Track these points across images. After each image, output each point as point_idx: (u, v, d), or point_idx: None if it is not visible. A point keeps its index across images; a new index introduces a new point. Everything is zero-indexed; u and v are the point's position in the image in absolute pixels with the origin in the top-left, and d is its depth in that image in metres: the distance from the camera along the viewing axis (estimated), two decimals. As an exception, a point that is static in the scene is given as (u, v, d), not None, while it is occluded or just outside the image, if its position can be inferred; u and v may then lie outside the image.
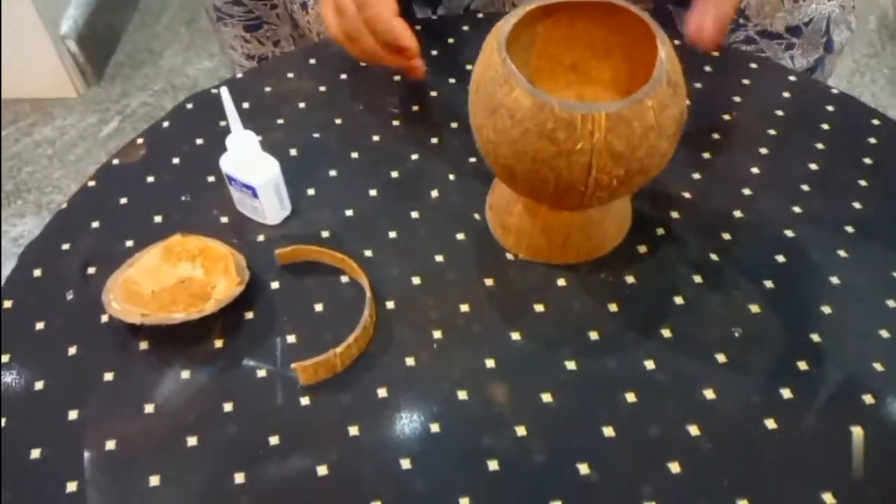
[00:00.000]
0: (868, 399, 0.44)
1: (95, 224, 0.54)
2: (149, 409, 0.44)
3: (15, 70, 1.59)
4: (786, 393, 0.44)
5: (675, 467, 0.41)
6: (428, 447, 0.42)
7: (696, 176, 0.56)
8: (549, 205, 0.47)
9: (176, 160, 0.58)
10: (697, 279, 0.49)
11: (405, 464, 0.42)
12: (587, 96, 0.49)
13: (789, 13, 0.69)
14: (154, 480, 0.41)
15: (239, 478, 0.41)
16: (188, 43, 1.79)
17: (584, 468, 0.41)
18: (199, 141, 0.59)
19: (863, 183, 0.55)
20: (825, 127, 0.60)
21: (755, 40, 0.71)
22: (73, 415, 0.44)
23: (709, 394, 0.44)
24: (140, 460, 0.42)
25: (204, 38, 1.78)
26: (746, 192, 0.54)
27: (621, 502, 0.40)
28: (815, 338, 0.46)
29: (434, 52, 0.65)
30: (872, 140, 0.59)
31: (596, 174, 0.40)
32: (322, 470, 0.41)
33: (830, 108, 0.61)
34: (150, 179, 0.57)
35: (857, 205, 0.54)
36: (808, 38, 0.71)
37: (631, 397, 0.44)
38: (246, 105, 0.62)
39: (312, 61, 0.66)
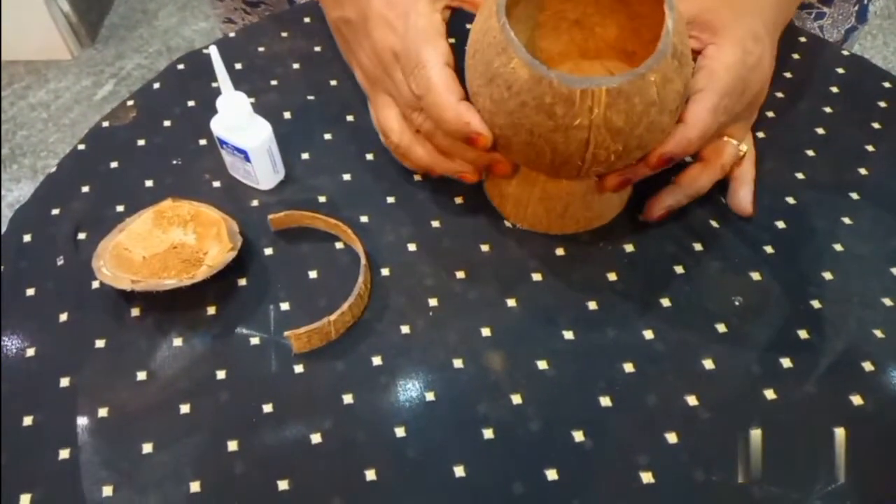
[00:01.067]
0: (867, 366, 0.43)
1: (86, 188, 0.53)
2: (141, 375, 0.44)
3: (9, 32, 1.56)
4: (785, 362, 0.43)
5: (671, 437, 0.41)
6: (422, 415, 0.42)
7: (700, 140, 0.54)
8: (546, 174, 0.46)
9: (167, 123, 0.57)
10: (698, 247, 0.48)
11: (399, 432, 0.41)
12: (590, 54, 0.48)
13: None
14: (147, 447, 0.41)
15: (232, 445, 0.41)
16: (183, 3, 1.76)
17: (579, 436, 0.41)
18: (191, 103, 0.58)
19: (870, 148, 0.54)
20: (834, 90, 0.58)
21: None
22: (64, 382, 0.43)
23: (707, 364, 0.43)
24: (133, 427, 0.42)
25: (199, -1, 1.74)
26: (751, 157, 0.53)
27: (617, 470, 0.40)
28: (816, 304, 0.46)
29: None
30: (882, 104, 0.57)
31: (594, 149, 0.39)
32: (316, 438, 0.41)
33: (841, 71, 0.60)
34: (141, 143, 0.56)
35: (862, 171, 0.53)
36: (839, 6, 0.68)
37: (629, 367, 0.43)
38: (238, 66, 0.60)
39: (307, 20, 0.64)
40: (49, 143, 1.49)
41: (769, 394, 0.42)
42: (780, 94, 0.57)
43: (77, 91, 1.58)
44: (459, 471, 0.40)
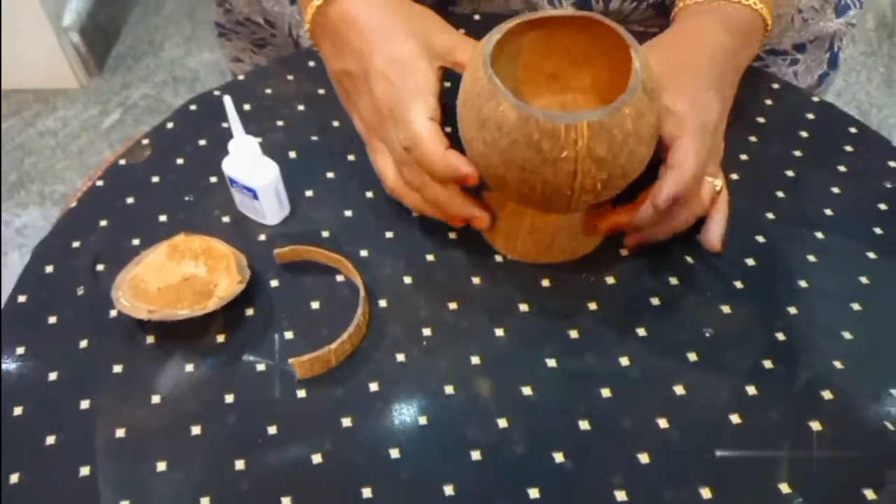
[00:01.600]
0: (827, 395, 0.47)
1: (104, 223, 0.57)
2: (155, 399, 0.47)
3: (18, 60, 1.61)
4: (751, 390, 0.47)
5: (644, 458, 0.44)
6: (416, 438, 0.45)
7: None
8: (538, 209, 0.50)
9: (180, 161, 0.61)
10: (673, 281, 0.52)
11: (394, 453, 0.45)
12: (568, 103, 0.52)
13: (798, 32, 0.70)
14: (161, 466, 0.44)
15: (239, 464, 0.44)
16: (189, 35, 1.81)
17: (559, 457, 0.44)
18: (202, 142, 0.62)
19: (836, 190, 0.58)
20: (804, 134, 0.62)
21: (761, 57, 0.72)
22: (84, 404, 0.47)
23: (679, 389, 0.47)
24: (147, 447, 0.45)
25: (205, 30, 1.79)
26: (723, 198, 0.57)
27: (594, 490, 0.43)
28: (781, 336, 0.49)
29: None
30: (849, 148, 0.61)
31: (581, 179, 0.43)
32: (316, 458, 0.44)
33: (810, 116, 0.64)
34: (155, 179, 0.60)
35: (828, 211, 0.57)
36: (811, 54, 0.72)
37: (606, 392, 0.47)
38: (247, 107, 0.65)
39: (312, 63, 0.68)
40: (56, 169, 1.53)
41: (735, 418, 0.46)
42: (752, 138, 0.62)
43: (84, 119, 1.62)
44: (449, 490, 0.43)
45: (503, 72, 0.44)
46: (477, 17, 0.71)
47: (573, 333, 0.50)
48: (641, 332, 0.50)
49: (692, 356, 0.48)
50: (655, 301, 0.51)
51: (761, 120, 0.63)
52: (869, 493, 0.43)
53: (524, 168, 0.43)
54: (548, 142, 0.41)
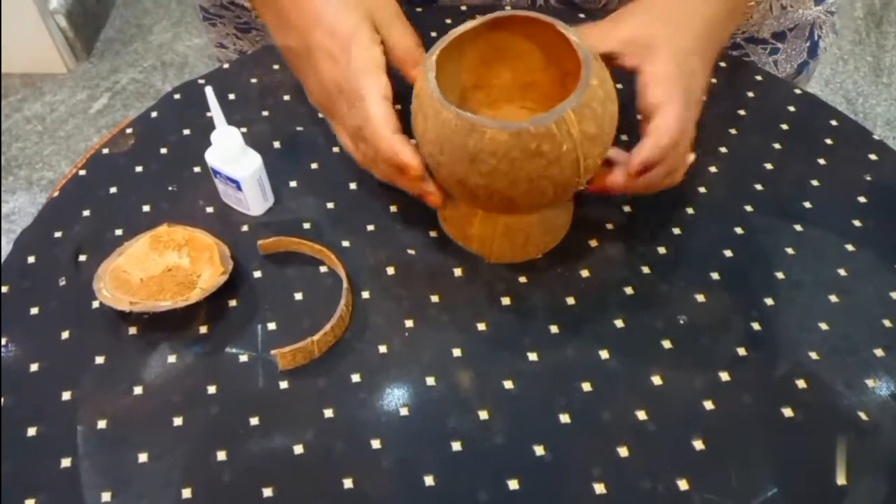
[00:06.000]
0: (801, 384, 0.47)
1: (86, 212, 0.57)
2: (138, 390, 0.47)
3: (4, 45, 1.59)
4: (724, 376, 0.47)
5: (623, 451, 0.45)
6: (397, 429, 0.46)
7: (659, 174, 0.59)
8: (546, 208, 0.51)
9: (164, 150, 0.61)
10: (646, 270, 0.53)
11: (375, 444, 0.45)
12: (498, 103, 0.53)
13: (776, 20, 0.70)
14: (143, 457, 0.44)
15: (221, 455, 0.45)
16: (178, 19, 1.79)
17: (539, 450, 0.45)
18: (186, 132, 0.62)
19: (815, 183, 0.59)
20: (784, 127, 0.63)
21: (741, 46, 0.72)
22: (66, 395, 0.47)
23: (656, 380, 0.47)
24: (130, 438, 0.45)
25: (193, 15, 1.78)
26: (702, 189, 0.57)
27: (573, 482, 0.44)
28: (756, 326, 0.50)
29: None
30: (829, 140, 0.62)
31: (584, 162, 0.44)
32: (298, 448, 0.45)
33: (792, 109, 0.64)
34: (139, 169, 0.59)
35: (807, 204, 0.57)
36: (791, 43, 0.72)
37: (586, 386, 0.47)
38: (232, 96, 0.64)
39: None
40: (44, 155, 1.52)
41: (708, 404, 0.46)
42: (733, 131, 0.62)
43: (72, 104, 1.61)
44: (429, 480, 0.44)
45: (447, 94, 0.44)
46: (464, 7, 0.71)
47: (553, 328, 0.50)
48: (619, 322, 0.50)
49: (667, 344, 0.49)
50: (629, 290, 0.52)
51: (742, 112, 0.64)
52: (841, 480, 0.44)
53: (531, 179, 0.43)
54: (547, 144, 0.42)
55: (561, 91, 0.49)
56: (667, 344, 0.49)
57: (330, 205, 0.57)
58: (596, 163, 0.45)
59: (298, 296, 0.52)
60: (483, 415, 0.46)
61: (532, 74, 0.51)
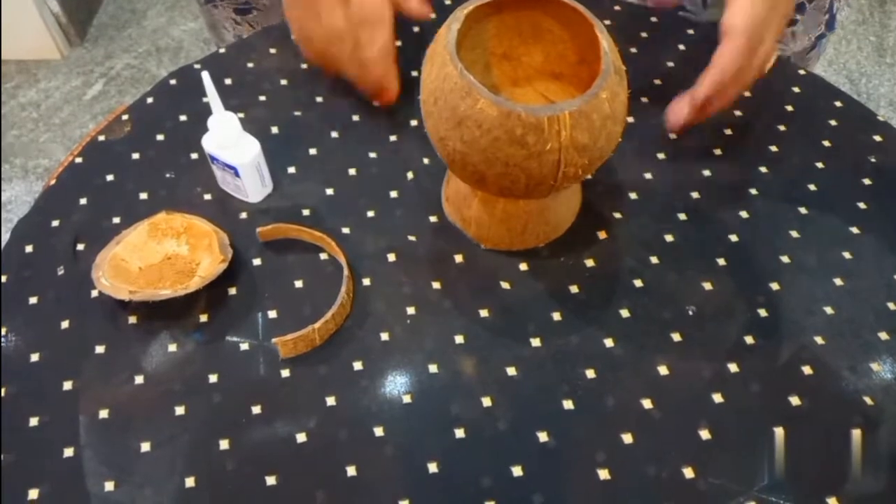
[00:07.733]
0: (807, 370, 0.47)
1: (83, 201, 0.56)
2: (139, 379, 0.47)
3: (-2, 31, 1.58)
4: (732, 367, 0.47)
5: (627, 437, 0.45)
6: (400, 416, 0.45)
7: (661, 156, 0.58)
8: (518, 198, 0.50)
9: (160, 137, 0.60)
10: (654, 260, 0.52)
11: (378, 431, 0.45)
12: (521, 81, 0.52)
13: None
14: (145, 446, 0.44)
15: (224, 444, 0.44)
16: (172, 3, 1.77)
17: (543, 436, 0.45)
18: (183, 118, 0.61)
19: (819, 165, 0.58)
20: (789, 108, 0.62)
21: None
22: (67, 385, 0.47)
23: (662, 370, 0.47)
24: (131, 427, 0.45)
25: (188, -1, 1.76)
26: (706, 173, 0.57)
27: (577, 468, 0.44)
28: (763, 313, 0.50)
29: (416, 30, 0.66)
30: (833, 122, 0.61)
31: (564, 168, 0.43)
32: (301, 437, 0.45)
33: (797, 90, 0.63)
34: (136, 156, 0.59)
35: (812, 186, 0.57)
36: (810, 14, 0.71)
37: (590, 373, 0.47)
38: (228, 81, 0.63)
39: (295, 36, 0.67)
40: (40, 142, 1.51)
41: (717, 397, 0.46)
42: (738, 113, 0.61)
43: (67, 91, 1.60)
44: (433, 467, 0.44)
45: (464, 60, 0.43)
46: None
47: (556, 315, 0.50)
48: (625, 313, 0.50)
49: (676, 336, 0.49)
50: (638, 283, 0.51)
51: (746, 93, 0.63)
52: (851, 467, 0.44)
53: (507, 163, 0.42)
54: (532, 136, 0.41)
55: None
56: (674, 334, 0.49)
57: (329, 191, 0.56)
58: (577, 173, 0.44)
59: (299, 283, 0.51)
60: (486, 401, 0.46)
61: (562, 66, 0.50)
